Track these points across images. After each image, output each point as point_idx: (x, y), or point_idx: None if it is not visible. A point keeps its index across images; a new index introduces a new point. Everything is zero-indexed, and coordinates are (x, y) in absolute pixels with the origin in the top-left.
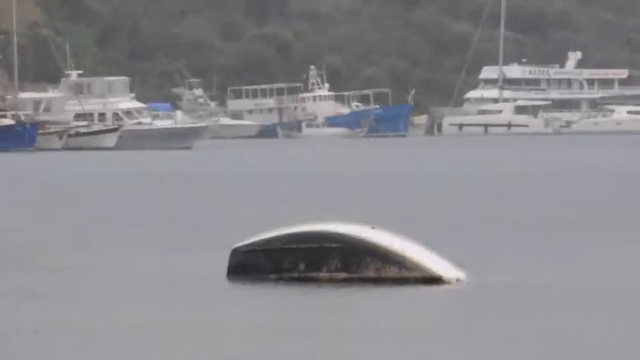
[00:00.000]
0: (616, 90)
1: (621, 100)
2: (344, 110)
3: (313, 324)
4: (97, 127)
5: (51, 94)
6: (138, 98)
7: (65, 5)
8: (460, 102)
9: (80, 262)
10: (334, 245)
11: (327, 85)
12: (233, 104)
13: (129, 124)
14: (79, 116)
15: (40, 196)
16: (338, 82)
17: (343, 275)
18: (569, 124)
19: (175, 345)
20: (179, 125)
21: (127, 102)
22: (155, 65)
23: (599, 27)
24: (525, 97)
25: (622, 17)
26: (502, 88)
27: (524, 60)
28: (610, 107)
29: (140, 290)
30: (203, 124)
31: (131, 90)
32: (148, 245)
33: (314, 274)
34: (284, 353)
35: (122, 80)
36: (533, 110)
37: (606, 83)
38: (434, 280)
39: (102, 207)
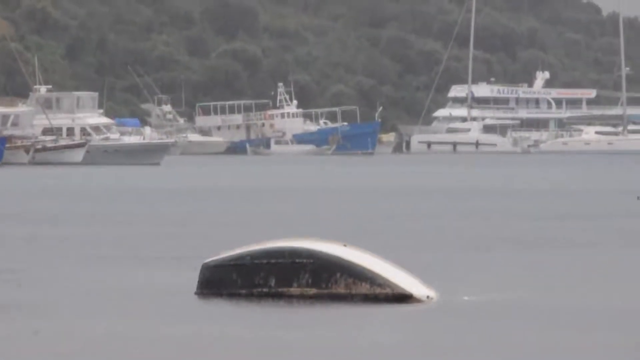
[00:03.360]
0: (584, 110)
1: (588, 120)
2: (312, 127)
3: (284, 339)
4: (64, 142)
5: (19, 108)
6: (106, 113)
7: (32, 19)
8: (428, 120)
9: (48, 277)
10: (304, 261)
11: (295, 102)
12: (201, 120)
13: (96, 139)
14: (47, 131)
15: (8, 210)
16: (306, 99)
17: (313, 291)
18: (537, 143)
19: None
20: (147, 141)
21: (96, 118)
22: (123, 81)
23: (566, 47)
24: (493, 116)
25: (590, 37)
26: (470, 107)
27: (493, 79)
28: (578, 127)
29: (109, 305)
30: (172, 140)
31: (100, 105)
32: (116, 260)
33: (284, 290)
34: None
35: (91, 95)
36: (501, 130)
37: (574, 103)
38: (405, 297)
39: (70, 222)
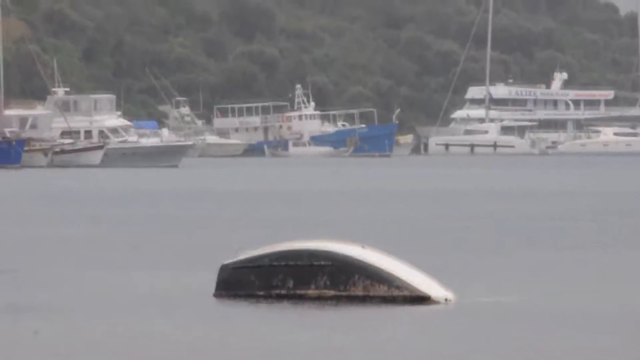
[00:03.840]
0: (602, 111)
1: (607, 121)
2: (330, 129)
3: (302, 341)
4: (82, 144)
5: (37, 111)
6: (123, 115)
7: (50, 21)
8: (446, 121)
9: (67, 278)
10: (322, 262)
11: (312, 103)
12: (219, 122)
13: (115, 141)
14: (65, 133)
15: (27, 213)
16: (324, 101)
17: (331, 292)
18: (554, 144)
19: None
20: (165, 144)
21: (114, 120)
22: (140, 83)
23: (584, 48)
24: (511, 117)
25: (607, 37)
26: (488, 108)
27: (510, 80)
28: (596, 128)
29: (127, 306)
30: (189, 142)
31: (117, 107)
32: (134, 262)
33: (302, 291)
34: None
35: (109, 97)
36: (519, 131)
37: (592, 104)
38: (423, 299)
39: (87, 224)
